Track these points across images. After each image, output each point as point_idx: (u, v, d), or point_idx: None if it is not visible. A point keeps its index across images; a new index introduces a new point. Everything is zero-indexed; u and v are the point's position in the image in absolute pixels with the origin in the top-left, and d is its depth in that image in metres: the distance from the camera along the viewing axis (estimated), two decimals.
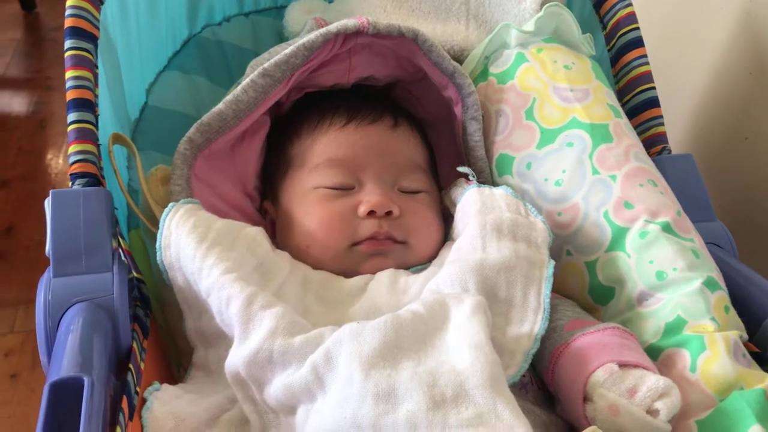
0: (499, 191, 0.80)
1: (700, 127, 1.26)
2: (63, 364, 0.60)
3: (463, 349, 0.60)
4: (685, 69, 1.30)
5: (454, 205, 0.84)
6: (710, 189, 0.93)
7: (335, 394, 0.59)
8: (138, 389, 0.65)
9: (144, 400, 0.64)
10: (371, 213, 0.80)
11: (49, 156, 2.26)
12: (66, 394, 0.57)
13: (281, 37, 1.06)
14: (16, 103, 2.57)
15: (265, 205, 0.90)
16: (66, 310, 0.67)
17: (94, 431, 0.55)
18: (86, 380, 0.57)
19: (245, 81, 0.83)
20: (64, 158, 2.20)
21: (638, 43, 0.97)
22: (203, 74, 1.03)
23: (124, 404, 0.61)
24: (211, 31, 1.05)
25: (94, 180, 0.75)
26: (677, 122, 1.29)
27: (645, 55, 0.96)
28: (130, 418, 0.61)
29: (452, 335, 0.62)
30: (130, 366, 0.66)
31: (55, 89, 2.61)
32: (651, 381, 0.62)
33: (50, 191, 0.73)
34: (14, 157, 2.21)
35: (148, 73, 0.98)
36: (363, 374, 0.58)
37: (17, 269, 1.74)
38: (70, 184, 0.75)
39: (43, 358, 0.68)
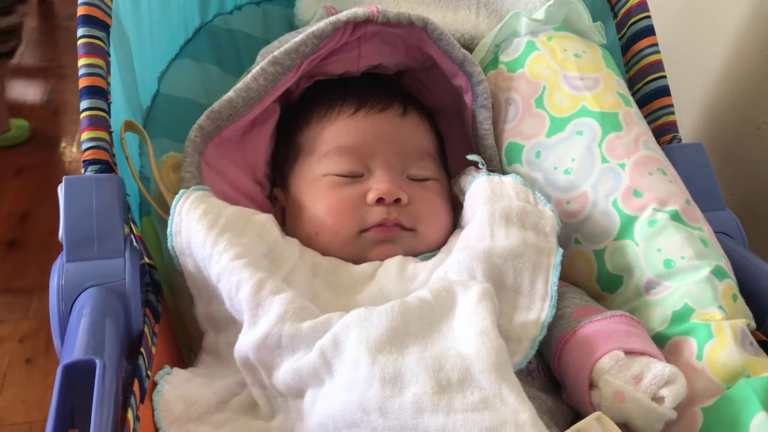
0: (508, 179, 0.80)
1: (712, 117, 1.26)
2: (76, 347, 0.61)
3: (469, 335, 0.60)
4: (698, 58, 1.29)
5: (463, 193, 0.84)
6: (721, 179, 0.93)
7: (343, 378, 0.60)
8: (149, 373, 0.66)
9: (155, 384, 0.65)
10: (380, 200, 0.80)
11: (63, 144, 2.29)
12: (78, 377, 0.58)
13: (292, 26, 1.06)
14: (30, 92, 2.59)
15: (275, 192, 0.91)
16: (79, 295, 0.68)
17: (106, 413, 0.56)
18: (98, 363, 0.58)
19: (255, 69, 0.83)
20: (77, 146, 2.22)
21: (649, 31, 0.96)
22: (214, 62, 1.03)
23: (135, 387, 0.62)
24: (223, 19, 1.05)
25: (107, 167, 0.76)
26: (689, 111, 1.28)
27: (656, 44, 0.96)
28: (141, 400, 0.62)
29: (459, 321, 0.63)
30: (142, 350, 0.67)
31: (68, 78, 2.64)
32: (657, 368, 0.62)
33: (63, 178, 0.74)
34: (29, 145, 2.24)
35: (160, 61, 0.99)
36: (370, 358, 0.59)
37: (32, 256, 1.76)
38: (82, 170, 0.76)
39: (56, 341, 0.70)
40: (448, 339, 0.61)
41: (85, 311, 0.66)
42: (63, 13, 3.29)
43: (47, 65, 2.76)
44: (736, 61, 1.20)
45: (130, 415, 0.59)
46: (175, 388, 0.65)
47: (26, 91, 2.59)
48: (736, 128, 1.21)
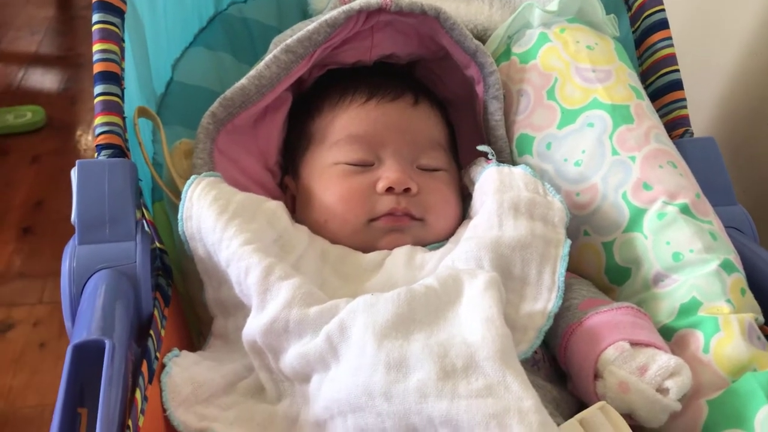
0: (517, 170, 0.80)
1: (724, 115, 1.25)
2: (86, 327, 0.62)
3: (474, 322, 0.61)
4: (712, 52, 1.29)
5: (473, 184, 0.84)
6: (734, 174, 0.92)
7: (348, 363, 0.61)
8: (158, 355, 0.67)
9: (163, 365, 0.66)
10: (390, 189, 0.81)
11: (78, 132, 2.30)
12: (88, 357, 0.59)
13: (306, 15, 1.06)
14: (47, 80, 2.61)
15: (286, 180, 0.91)
16: (90, 277, 0.69)
17: (114, 392, 0.57)
18: (108, 343, 0.59)
19: (268, 57, 0.84)
20: (93, 135, 2.24)
21: (663, 24, 0.96)
22: (228, 51, 1.04)
23: (144, 368, 0.63)
24: (237, 8, 1.06)
25: (119, 151, 0.77)
26: (701, 109, 1.28)
27: (670, 37, 0.96)
28: (150, 381, 0.63)
29: (465, 309, 0.63)
30: (151, 332, 0.68)
31: (85, 67, 2.65)
32: (662, 360, 0.62)
33: (76, 161, 0.74)
34: (45, 132, 2.25)
35: (174, 49, 0.99)
36: (376, 344, 0.59)
37: (46, 242, 1.78)
38: (96, 155, 0.77)
39: (67, 322, 0.71)
40: (454, 326, 0.62)
41: (96, 293, 0.67)
42: (81, 2, 3.29)
43: (65, 54, 2.77)
44: (748, 58, 1.19)
45: (138, 395, 0.60)
46: (184, 371, 0.66)
47: (43, 80, 2.61)
48: (748, 125, 1.20)
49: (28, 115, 2.26)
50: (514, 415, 0.53)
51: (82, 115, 2.38)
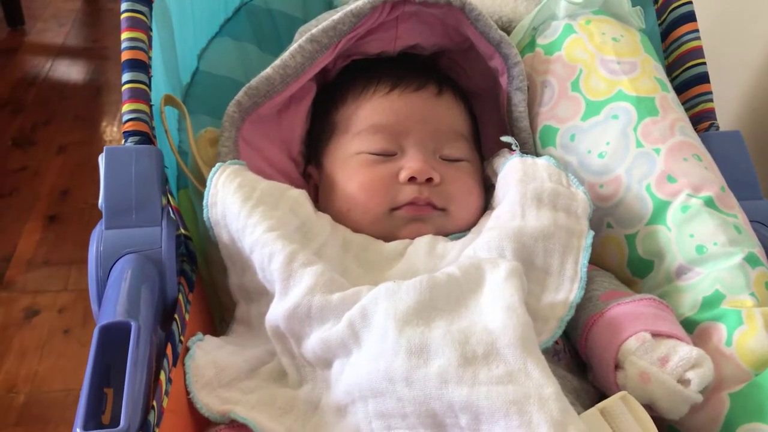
0: (541, 161, 0.80)
1: (753, 107, 1.24)
2: (112, 309, 0.63)
3: (496, 310, 0.61)
4: (741, 46, 1.27)
5: (496, 175, 0.84)
6: (762, 169, 0.92)
7: (370, 349, 0.61)
8: (182, 338, 0.68)
9: (187, 349, 0.67)
10: (412, 179, 0.81)
11: (104, 123, 2.33)
12: (114, 338, 0.60)
13: (330, 5, 1.07)
14: (74, 72, 2.65)
15: (309, 169, 0.92)
16: (116, 261, 0.70)
17: (140, 373, 0.58)
18: (133, 325, 0.60)
19: (293, 46, 0.84)
20: (118, 126, 2.27)
21: (690, 17, 0.95)
22: (253, 42, 1.05)
23: (169, 351, 0.64)
24: None
25: (146, 138, 0.78)
26: (730, 102, 1.27)
27: (696, 30, 0.95)
28: (174, 364, 0.64)
29: (486, 297, 0.63)
30: (176, 316, 0.69)
31: (111, 59, 2.68)
32: (684, 351, 0.62)
33: (104, 147, 0.76)
34: (71, 123, 2.29)
35: (200, 39, 1.01)
36: (397, 330, 0.60)
37: (71, 230, 1.80)
38: (123, 141, 0.78)
39: (93, 305, 0.72)
40: (475, 314, 0.62)
41: (122, 277, 0.68)
42: None
43: (91, 46, 2.80)
44: None
45: (162, 377, 0.61)
46: (207, 354, 0.67)
47: (70, 71, 2.64)
48: None
49: None
50: (534, 402, 0.54)
51: (107, 107, 2.41)
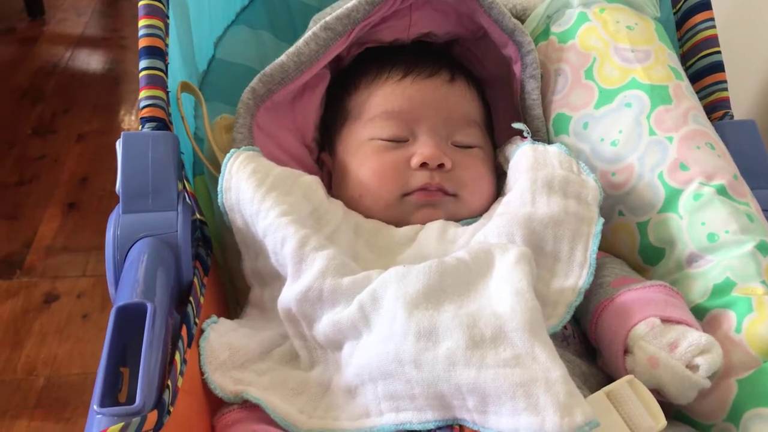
0: (552, 148, 0.81)
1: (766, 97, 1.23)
2: (129, 291, 0.65)
3: (504, 294, 0.62)
4: (758, 35, 1.26)
5: (508, 162, 0.85)
6: None
7: (380, 332, 0.62)
8: (197, 320, 0.69)
9: (202, 331, 0.69)
10: (423, 165, 0.82)
11: (122, 112, 2.35)
12: (131, 319, 0.61)
13: None
14: (93, 61, 2.67)
15: (323, 156, 0.93)
16: (133, 244, 0.72)
17: (155, 353, 0.59)
18: (149, 306, 0.61)
19: (307, 34, 0.85)
20: (136, 114, 2.29)
21: (706, 5, 0.95)
22: (269, 30, 1.06)
23: (184, 332, 0.65)
24: None
25: (163, 124, 0.79)
26: (746, 89, 1.26)
27: (712, 18, 0.95)
28: (189, 345, 0.65)
29: (495, 282, 0.64)
30: (191, 299, 0.70)
31: (129, 48, 2.70)
32: (693, 337, 0.63)
33: (122, 133, 0.77)
34: (90, 112, 2.31)
35: (217, 27, 1.02)
36: (406, 313, 0.61)
37: (90, 217, 1.83)
38: (140, 127, 0.79)
39: (110, 288, 0.73)
40: (484, 298, 0.63)
41: (139, 259, 0.69)
42: None
43: (109, 36, 2.83)
44: None
45: (177, 357, 0.62)
46: (221, 336, 0.68)
47: (89, 60, 2.67)
48: None
49: None
50: (540, 385, 0.54)
51: (125, 96, 2.44)
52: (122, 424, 0.52)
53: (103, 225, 1.78)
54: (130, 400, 0.56)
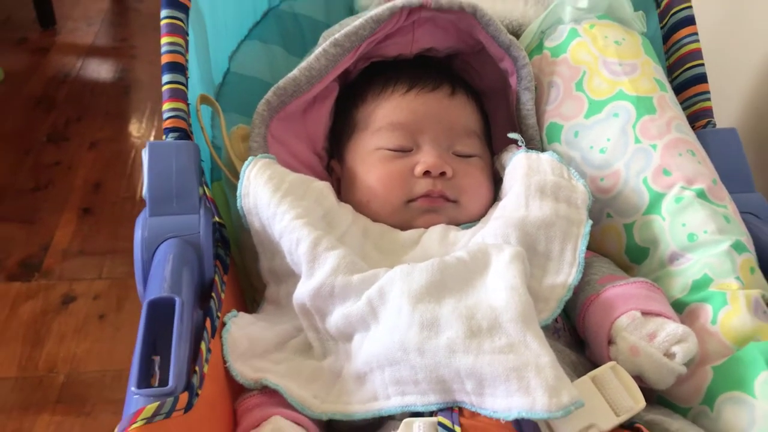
0: (545, 156, 0.87)
1: (754, 104, 1.29)
2: (158, 287, 0.71)
3: (499, 290, 0.68)
4: (743, 45, 1.32)
5: (504, 169, 0.91)
6: (763, 162, 0.96)
7: (386, 323, 0.68)
8: (218, 314, 0.75)
9: (224, 324, 0.74)
10: (427, 173, 0.87)
11: (133, 120, 2.41)
12: (160, 312, 0.67)
13: (352, 11, 1.14)
14: (103, 70, 2.73)
15: (332, 163, 0.99)
16: (159, 245, 0.78)
17: (184, 341, 0.65)
18: (177, 300, 0.67)
19: (318, 50, 0.91)
20: (147, 122, 2.35)
21: (690, 21, 1.01)
22: (280, 44, 1.12)
23: (207, 325, 0.71)
24: (288, 4, 1.14)
25: (184, 134, 0.85)
26: (731, 97, 1.32)
27: (696, 33, 1.00)
28: (212, 336, 0.71)
29: (491, 278, 0.70)
30: (213, 295, 0.76)
31: (138, 58, 2.76)
32: (670, 327, 0.69)
33: (147, 143, 0.83)
34: (102, 120, 2.37)
35: (231, 42, 1.08)
36: (411, 307, 0.67)
37: (104, 222, 1.88)
38: (163, 137, 0.86)
39: (139, 287, 0.79)
40: (481, 293, 0.69)
41: (166, 258, 0.75)
42: None
43: (119, 45, 2.88)
44: None
45: (203, 347, 0.68)
46: (241, 329, 0.74)
47: (99, 69, 2.72)
48: None
49: None
50: (531, 369, 0.61)
51: (135, 104, 2.49)
52: (158, 403, 0.58)
53: (117, 230, 1.85)
54: (163, 383, 0.62)
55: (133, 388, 0.60)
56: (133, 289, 1.68)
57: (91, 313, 1.58)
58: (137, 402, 0.59)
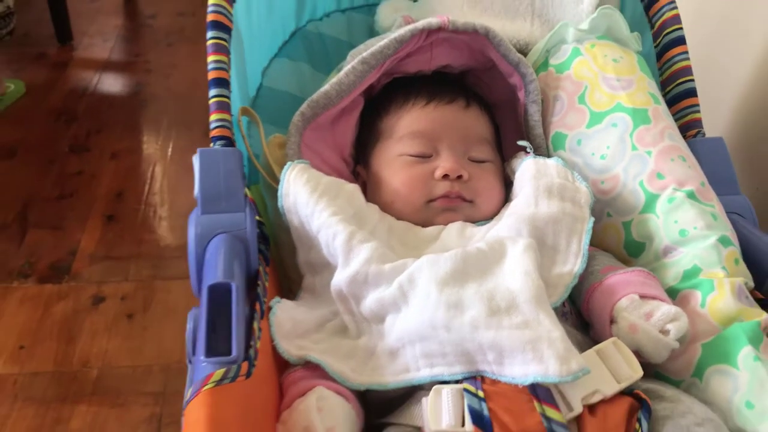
0: (551, 161, 0.96)
1: (742, 113, 1.39)
2: (213, 274, 0.80)
3: (515, 275, 0.77)
4: (730, 66, 1.43)
5: (514, 173, 1.00)
6: (748, 166, 1.04)
7: (416, 305, 0.78)
8: (264, 300, 0.85)
9: (269, 308, 0.84)
10: (445, 176, 0.96)
11: (150, 132, 2.50)
12: (217, 295, 0.76)
13: (372, 31, 1.24)
14: (119, 84, 2.83)
15: (358, 169, 1.08)
16: (210, 239, 0.87)
17: (241, 318, 0.74)
18: (233, 284, 0.77)
19: (347, 67, 1.01)
20: (164, 134, 2.44)
21: (681, 41, 1.10)
22: (307, 61, 1.22)
23: (257, 308, 0.81)
24: (314, 25, 1.24)
25: (229, 142, 0.95)
26: (721, 112, 1.42)
27: (686, 52, 1.10)
28: (261, 318, 0.81)
29: (508, 265, 0.80)
30: (259, 283, 0.86)
31: (154, 72, 2.86)
32: (664, 308, 0.78)
33: (198, 149, 0.92)
34: (120, 132, 2.47)
35: (263, 59, 1.18)
36: (438, 290, 0.77)
37: (128, 228, 1.98)
38: (211, 144, 0.96)
39: (192, 279, 0.87)
40: (499, 278, 0.78)
41: (218, 251, 0.84)
42: (146, 12, 3.53)
43: (134, 60, 2.98)
44: (762, 68, 1.34)
45: (255, 325, 0.78)
46: (285, 312, 0.83)
47: (116, 83, 2.82)
48: (762, 128, 1.34)
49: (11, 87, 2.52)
50: (544, 342, 0.70)
51: (152, 117, 2.58)
52: (224, 369, 0.67)
53: (140, 235, 1.96)
54: (225, 355, 0.71)
55: (202, 357, 0.69)
56: (159, 290, 1.79)
57: (119, 312, 1.66)
58: (206, 368, 0.68)
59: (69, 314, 1.66)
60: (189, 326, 0.96)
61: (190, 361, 1.00)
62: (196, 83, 2.76)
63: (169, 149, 2.34)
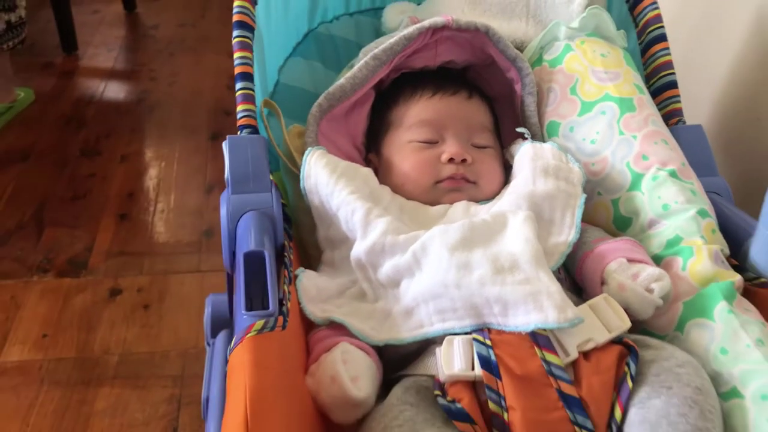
0: (547, 145, 1.06)
1: (720, 111, 1.49)
2: (246, 244, 0.89)
3: (517, 241, 0.87)
4: (709, 62, 1.53)
5: (513, 157, 1.10)
6: (725, 159, 1.14)
7: (429, 269, 0.87)
8: (291, 269, 0.94)
9: (296, 276, 0.93)
10: (451, 160, 1.05)
11: (157, 136, 2.59)
12: (252, 263, 0.85)
13: (378, 33, 1.33)
14: (125, 91, 2.92)
15: (369, 156, 1.17)
16: (241, 216, 0.96)
17: (274, 282, 0.83)
18: (266, 252, 0.86)
19: (360, 62, 1.11)
20: (170, 138, 2.53)
21: (662, 38, 1.20)
22: (319, 60, 1.31)
23: (285, 274, 0.90)
24: (325, 27, 1.33)
25: (254, 130, 1.05)
26: (701, 106, 1.52)
27: (668, 48, 1.20)
28: (289, 282, 0.90)
29: (510, 233, 0.89)
30: (285, 254, 0.95)
31: (158, 80, 2.96)
32: (650, 270, 0.88)
33: (227, 136, 1.02)
34: (129, 136, 2.56)
35: (280, 58, 1.27)
36: (449, 255, 0.86)
37: (140, 226, 2.06)
38: (238, 132, 1.05)
39: (225, 254, 0.95)
40: (502, 244, 0.88)
41: (249, 226, 0.93)
42: (148, 23, 3.63)
43: (138, 69, 3.07)
44: (739, 64, 1.44)
45: (285, 288, 0.87)
46: (310, 279, 0.92)
47: (122, 91, 2.91)
48: (740, 119, 1.45)
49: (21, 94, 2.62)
50: (544, 294, 0.80)
51: (158, 122, 2.68)
52: (263, 320, 0.76)
53: (151, 233, 2.05)
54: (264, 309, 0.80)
55: (243, 311, 0.78)
56: (173, 283, 1.88)
57: (136, 303, 1.75)
58: (247, 320, 0.77)
59: (88, 305, 1.74)
60: (207, 311, 1.06)
61: (208, 344, 1.10)
62: (198, 90, 2.86)
63: (176, 152, 2.43)
